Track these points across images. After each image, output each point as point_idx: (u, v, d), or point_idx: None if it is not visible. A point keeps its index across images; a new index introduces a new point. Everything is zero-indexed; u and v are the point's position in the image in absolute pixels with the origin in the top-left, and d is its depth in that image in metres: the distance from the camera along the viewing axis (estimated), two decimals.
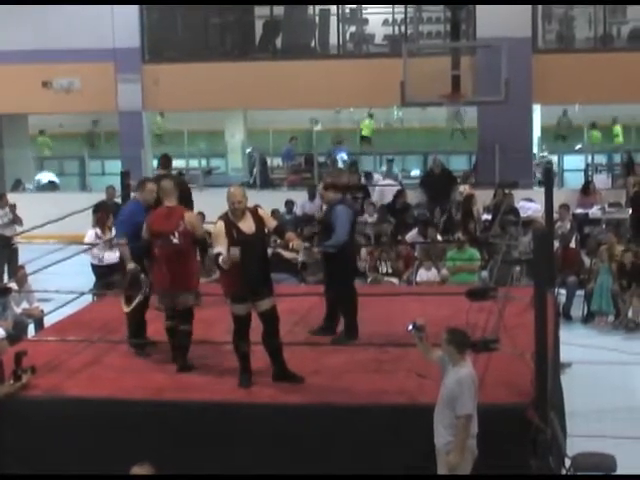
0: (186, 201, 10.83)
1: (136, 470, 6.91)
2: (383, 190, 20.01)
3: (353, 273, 10.45)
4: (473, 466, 7.42)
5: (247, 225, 8.59)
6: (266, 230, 8.90)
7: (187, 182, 12.50)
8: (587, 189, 19.63)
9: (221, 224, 8.56)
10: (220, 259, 8.37)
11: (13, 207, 17.04)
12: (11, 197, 18.00)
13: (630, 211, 18.24)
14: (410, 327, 7.83)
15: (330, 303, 9.97)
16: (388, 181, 21.06)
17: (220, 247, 8.45)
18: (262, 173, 22.82)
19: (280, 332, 8.79)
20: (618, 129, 28.36)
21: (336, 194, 9.85)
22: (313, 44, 23.42)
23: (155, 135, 30.86)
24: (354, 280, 10.33)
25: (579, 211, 18.97)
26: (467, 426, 7.30)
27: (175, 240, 9.19)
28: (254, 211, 8.75)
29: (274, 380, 8.68)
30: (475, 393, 7.38)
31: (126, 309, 9.68)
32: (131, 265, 9.63)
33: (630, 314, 14.56)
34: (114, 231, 14.47)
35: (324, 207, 10.17)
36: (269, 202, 15.51)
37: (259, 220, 8.70)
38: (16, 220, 16.79)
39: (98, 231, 14.76)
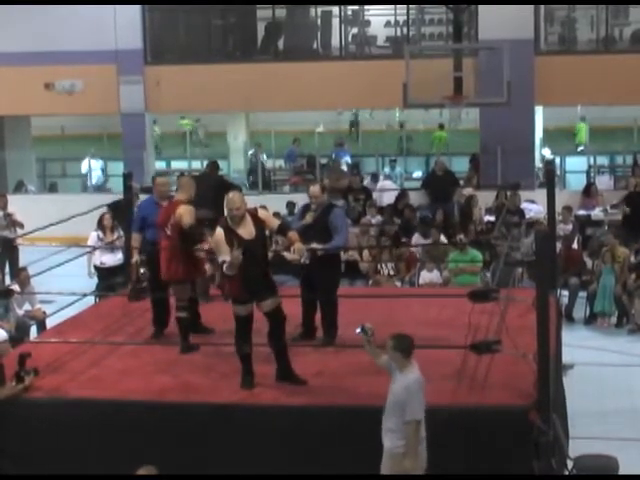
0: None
1: (141, 473, 6.90)
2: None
3: (339, 276, 10.45)
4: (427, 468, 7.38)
5: (247, 230, 8.56)
6: (267, 232, 8.90)
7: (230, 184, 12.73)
8: (589, 191, 19.63)
9: (220, 231, 8.54)
10: (224, 267, 8.39)
11: (9, 215, 16.79)
12: (13, 198, 17.98)
13: (627, 210, 17.99)
14: (358, 330, 7.79)
15: (310, 305, 9.88)
16: (383, 182, 21.02)
17: (224, 255, 8.44)
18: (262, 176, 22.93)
19: (285, 332, 8.79)
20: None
21: (325, 196, 9.95)
22: (315, 46, 23.42)
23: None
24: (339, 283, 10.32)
25: (581, 212, 18.96)
26: (418, 431, 7.22)
27: (168, 232, 9.57)
28: (254, 214, 8.72)
29: (277, 380, 8.69)
30: (423, 398, 7.31)
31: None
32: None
33: (633, 314, 14.54)
34: (116, 234, 14.63)
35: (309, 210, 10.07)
36: (270, 204, 15.51)
37: (259, 223, 8.69)
38: (15, 224, 16.73)
39: (100, 233, 14.78)
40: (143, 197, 11.71)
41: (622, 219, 17.91)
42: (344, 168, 22.87)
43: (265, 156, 24.79)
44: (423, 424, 7.31)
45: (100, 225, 14.80)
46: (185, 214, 9.49)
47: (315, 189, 9.87)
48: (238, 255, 8.30)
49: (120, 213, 14.35)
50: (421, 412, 7.24)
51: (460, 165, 23.13)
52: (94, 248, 14.52)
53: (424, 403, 7.29)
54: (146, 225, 10.17)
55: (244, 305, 8.56)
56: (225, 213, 8.91)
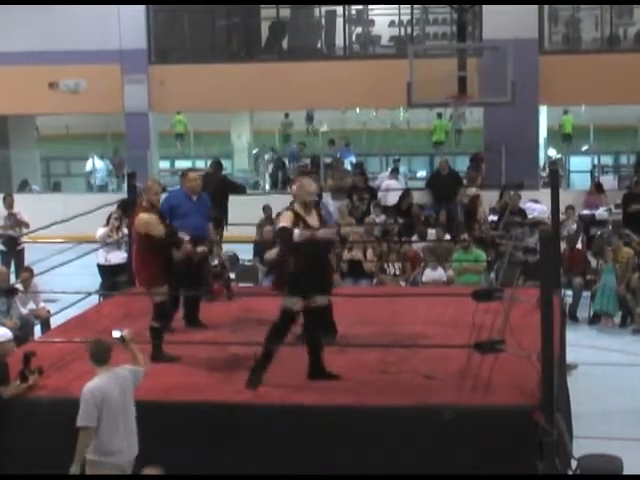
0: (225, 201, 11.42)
1: (148, 472, 6.91)
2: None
3: None
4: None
5: (313, 220, 8.44)
6: None
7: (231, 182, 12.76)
8: (597, 188, 19.64)
9: (290, 214, 8.36)
10: (296, 232, 8.11)
11: (14, 215, 16.80)
12: (17, 198, 18.01)
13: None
14: (116, 334, 7.80)
15: None
16: (388, 182, 21.00)
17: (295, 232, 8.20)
18: (273, 174, 22.92)
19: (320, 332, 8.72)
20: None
21: None
22: (319, 45, 23.46)
23: (177, 134, 30.99)
24: None
25: (585, 212, 18.96)
26: (83, 438, 7.20)
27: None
28: (317, 207, 8.67)
29: (309, 378, 8.58)
30: (98, 408, 7.21)
31: None
32: None
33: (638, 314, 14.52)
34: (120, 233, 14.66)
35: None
36: (275, 203, 15.53)
37: (321, 217, 8.60)
38: (20, 223, 16.73)
39: (107, 230, 14.78)
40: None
41: (622, 219, 17.88)
42: (348, 167, 22.86)
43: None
44: (95, 437, 7.22)
45: (109, 223, 14.80)
46: (150, 226, 9.18)
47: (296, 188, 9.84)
48: (305, 232, 8.15)
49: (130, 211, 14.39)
50: (85, 420, 7.19)
51: (464, 164, 23.14)
52: (100, 246, 14.54)
53: (95, 413, 7.19)
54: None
55: (298, 299, 8.33)
56: (293, 199, 8.67)
